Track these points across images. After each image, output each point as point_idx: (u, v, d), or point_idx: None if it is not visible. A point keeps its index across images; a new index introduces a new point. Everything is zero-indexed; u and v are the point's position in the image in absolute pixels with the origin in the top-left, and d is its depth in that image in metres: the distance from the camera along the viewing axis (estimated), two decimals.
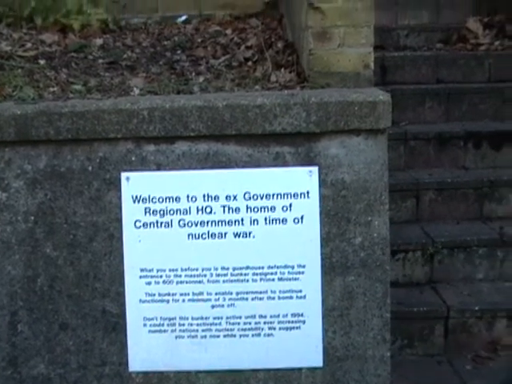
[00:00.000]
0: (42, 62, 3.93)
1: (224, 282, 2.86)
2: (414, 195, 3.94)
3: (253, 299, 2.86)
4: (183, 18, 5.48)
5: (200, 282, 2.86)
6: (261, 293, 2.86)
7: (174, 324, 2.89)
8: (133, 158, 2.81)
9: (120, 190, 2.82)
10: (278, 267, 2.84)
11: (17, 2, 5.06)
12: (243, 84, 3.20)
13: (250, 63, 3.67)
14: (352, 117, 2.70)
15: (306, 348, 2.89)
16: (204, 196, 2.79)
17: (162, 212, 2.81)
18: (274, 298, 2.86)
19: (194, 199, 2.79)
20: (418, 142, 4.15)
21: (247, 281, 2.85)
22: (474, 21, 5.31)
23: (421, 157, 4.17)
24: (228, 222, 2.80)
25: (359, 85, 2.99)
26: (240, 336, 2.89)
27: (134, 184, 2.81)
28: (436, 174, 4.09)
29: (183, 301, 2.87)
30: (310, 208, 2.78)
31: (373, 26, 3.01)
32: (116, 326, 2.89)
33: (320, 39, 2.98)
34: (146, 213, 2.82)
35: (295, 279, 2.85)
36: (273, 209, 2.78)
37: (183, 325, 2.89)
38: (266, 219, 2.79)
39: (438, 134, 4.18)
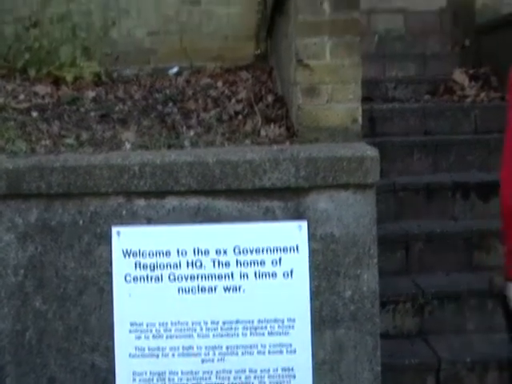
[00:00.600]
0: (34, 114, 3.97)
1: (214, 336, 2.85)
2: (403, 246, 3.96)
3: (243, 353, 2.85)
4: (175, 69, 5.56)
5: (190, 336, 2.85)
6: (251, 347, 2.85)
7: (164, 379, 2.87)
8: (123, 213, 2.83)
9: (110, 244, 2.83)
10: (267, 321, 2.84)
11: (11, 53, 5.13)
12: (233, 138, 3.25)
13: (240, 117, 3.72)
14: (340, 172, 2.74)
15: None
16: (194, 250, 2.80)
17: (152, 266, 2.82)
18: (264, 353, 2.85)
19: (184, 253, 2.80)
20: (406, 193, 4.19)
21: (237, 335, 2.84)
22: (460, 72, 5.41)
23: (410, 207, 4.20)
24: (218, 276, 2.81)
25: (348, 139, 3.04)
26: None
27: (125, 238, 2.82)
28: (425, 225, 4.11)
29: (173, 355, 2.86)
30: (300, 262, 2.80)
31: (360, 81, 3.07)
32: (105, 380, 2.88)
33: (308, 95, 3.04)
34: (136, 267, 2.82)
35: (285, 333, 2.84)
36: (262, 263, 2.79)
37: (173, 379, 2.87)
38: (255, 273, 2.80)
39: (426, 184, 4.22)
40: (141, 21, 6.07)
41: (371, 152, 2.80)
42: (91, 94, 4.43)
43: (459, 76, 5.37)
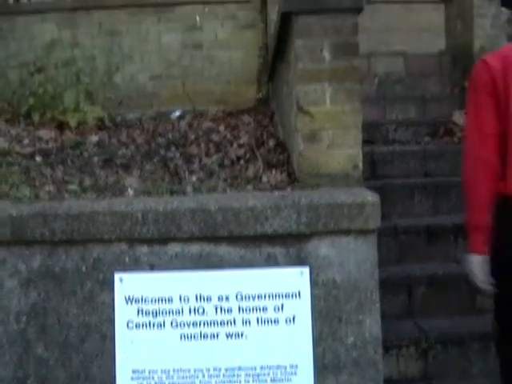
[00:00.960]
0: (38, 158, 4.01)
1: (216, 382, 2.84)
2: (406, 289, 3.94)
3: None
4: (177, 113, 5.63)
5: (192, 383, 2.84)
6: None
7: None
8: (126, 259, 2.84)
9: (113, 291, 2.84)
10: (270, 368, 2.83)
11: (15, 98, 5.21)
12: (235, 184, 3.27)
13: (242, 162, 3.76)
14: (341, 218, 2.76)
15: None
16: (196, 296, 2.81)
17: (154, 313, 2.82)
18: None
19: (186, 300, 2.81)
20: (408, 236, 4.19)
21: (240, 382, 2.83)
22: (460, 114, 5.44)
23: (412, 250, 4.19)
24: (220, 322, 2.81)
25: (349, 185, 3.06)
26: None
27: (127, 284, 2.83)
28: (427, 268, 4.10)
29: None
30: (302, 308, 2.80)
31: (360, 127, 3.10)
32: None
33: (309, 141, 3.07)
34: (138, 313, 2.83)
35: (288, 380, 2.83)
36: (265, 309, 2.80)
37: None
38: (258, 320, 2.80)
39: (427, 227, 4.22)
40: (144, 65, 6.16)
41: (372, 198, 2.81)
42: (94, 138, 4.48)
43: (459, 118, 5.41)
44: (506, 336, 2.77)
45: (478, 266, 2.60)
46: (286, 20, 3.24)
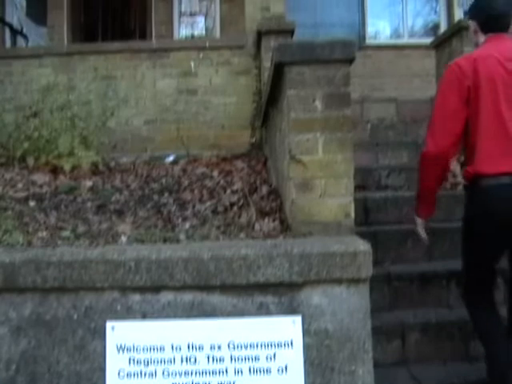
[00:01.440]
0: (32, 203, 4.02)
1: None
2: (399, 336, 3.92)
3: None
4: (171, 158, 5.67)
5: None
6: None
7: None
8: (118, 307, 2.83)
9: (105, 339, 2.82)
10: None
11: (11, 142, 5.23)
12: (228, 231, 3.28)
13: (235, 208, 3.77)
14: (334, 267, 2.76)
15: None
16: (189, 345, 2.79)
17: (146, 362, 2.79)
18: None
19: (178, 349, 2.79)
20: (401, 283, 4.18)
21: None
22: (452, 160, 5.49)
23: (405, 297, 4.18)
24: (212, 371, 2.78)
25: (341, 233, 3.07)
26: None
27: (119, 333, 2.81)
28: (421, 314, 4.08)
29: None
30: (294, 357, 2.78)
31: (353, 176, 3.13)
32: None
33: (302, 190, 3.09)
34: (130, 362, 2.80)
35: None
36: (257, 358, 2.78)
37: None
38: (250, 369, 2.78)
39: (420, 274, 4.22)
40: (139, 110, 6.24)
41: (364, 247, 2.82)
42: (88, 183, 4.50)
43: (451, 163, 5.45)
44: (474, 294, 3.27)
45: (420, 225, 3.46)
46: (278, 70, 3.28)
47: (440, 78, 5.91)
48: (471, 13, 3.21)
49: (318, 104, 3.08)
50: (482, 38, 3.12)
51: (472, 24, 3.18)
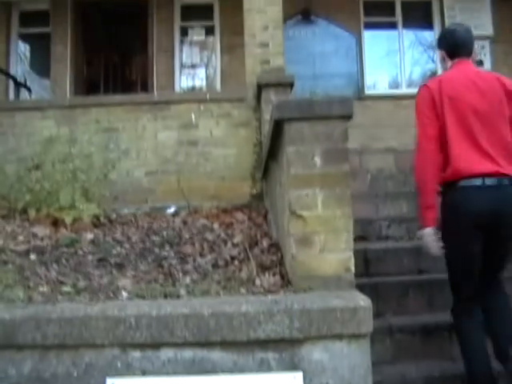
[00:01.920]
0: (33, 256, 4.02)
1: None
2: None
3: None
4: (172, 209, 5.69)
5: None
6: None
7: None
8: (118, 364, 2.82)
9: None
10: None
11: (12, 193, 5.26)
12: (229, 287, 3.28)
13: (236, 262, 3.78)
14: (334, 322, 2.76)
15: None
16: None
17: None
18: None
19: None
20: (403, 335, 4.15)
21: None
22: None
23: (407, 349, 4.14)
24: None
25: (341, 288, 3.07)
26: None
27: None
28: (423, 367, 4.04)
29: None
30: None
31: (352, 231, 3.14)
32: None
33: (302, 245, 3.11)
34: None
35: None
36: None
37: None
38: None
39: (422, 325, 4.20)
40: (140, 161, 6.28)
41: (364, 302, 2.83)
42: (89, 236, 4.51)
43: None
44: (461, 304, 3.61)
45: (430, 236, 3.50)
46: (278, 126, 3.33)
47: None
48: (439, 43, 3.80)
49: (317, 160, 3.12)
50: (449, 63, 3.70)
51: (441, 53, 3.77)
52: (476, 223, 3.33)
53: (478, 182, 3.32)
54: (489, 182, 3.31)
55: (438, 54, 4.09)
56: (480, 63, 9.87)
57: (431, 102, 3.48)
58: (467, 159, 3.35)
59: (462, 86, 3.47)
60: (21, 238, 4.44)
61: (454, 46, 3.65)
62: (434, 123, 3.46)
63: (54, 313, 2.87)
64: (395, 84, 10.12)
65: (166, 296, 3.14)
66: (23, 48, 10.54)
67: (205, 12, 10.18)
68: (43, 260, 3.95)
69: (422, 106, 3.55)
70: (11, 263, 3.84)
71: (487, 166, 3.32)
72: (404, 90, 10.04)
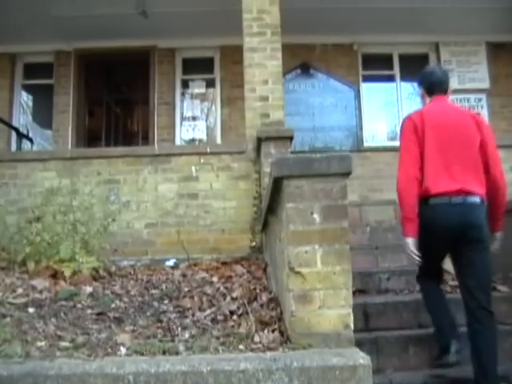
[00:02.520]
0: (31, 310, 4.00)
1: None
2: None
3: None
4: (171, 262, 5.70)
5: None
6: None
7: None
8: None
9: None
10: None
11: (12, 245, 5.26)
12: (228, 343, 3.26)
13: (235, 317, 3.77)
14: (334, 381, 2.75)
15: None
16: None
17: None
18: None
19: None
20: None
21: None
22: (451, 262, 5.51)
23: None
24: None
25: (340, 345, 3.06)
26: None
27: None
28: None
29: None
30: None
31: (351, 287, 3.14)
32: None
33: (301, 302, 3.11)
34: None
35: None
36: None
37: None
38: None
39: (423, 382, 4.16)
40: (140, 213, 6.31)
41: (364, 360, 2.81)
42: (88, 289, 4.49)
43: (450, 266, 5.46)
44: (425, 274, 4.24)
45: (412, 244, 3.96)
46: (277, 183, 3.36)
47: None
48: (420, 82, 4.38)
49: (316, 216, 3.14)
50: (428, 99, 4.28)
51: (421, 90, 4.36)
52: (444, 235, 3.91)
53: (445, 200, 3.87)
54: (456, 200, 3.85)
55: (418, 92, 4.44)
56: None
57: (414, 131, 4.01)
58: (437, 180, 3.90)
59: (439, 117, 4.05)
60: (20, 290, 4.43)
61: (432, 84, 4.25)
62: (416, 148, 3.97)
63: (51, 369, 2.85)
64: (394, 135, 10.22)
65: (164, 352, 3.12)
66: (26, 98, 10.70)
67: (205, 65, 10.36)
68: (42, 313, 3.93)
69: (406, 133, 4.07)
70: (9, 316, 3.82)
71: (454, 186, 3.86)
72: None
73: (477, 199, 3.87)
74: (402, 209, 3.99)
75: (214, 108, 10.33)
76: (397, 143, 10.09)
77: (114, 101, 13.47)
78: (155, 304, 4.19)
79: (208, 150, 6.53)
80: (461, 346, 4.00)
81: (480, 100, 10.22)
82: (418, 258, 3.97)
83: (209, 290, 4.43)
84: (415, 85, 10.40)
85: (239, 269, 5.16)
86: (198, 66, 10.39)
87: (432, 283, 4.27)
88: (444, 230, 3.86)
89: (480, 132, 4.02)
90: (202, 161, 6.40)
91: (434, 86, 4.24)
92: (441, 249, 4.05)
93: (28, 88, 10.60)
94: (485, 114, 10.14)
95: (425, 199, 3.93)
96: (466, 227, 3.82)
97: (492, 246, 4.09)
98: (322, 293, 3.10)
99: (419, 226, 3.92)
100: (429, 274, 4.24)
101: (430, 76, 4.30)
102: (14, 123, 9.93)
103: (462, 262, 3.98)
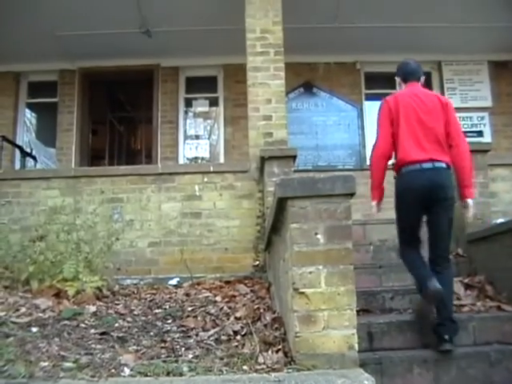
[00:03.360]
0: (34, 329, 4.00)
1: None
2: None
3: None
4: (175, 281, 5.69)
5: None
6: None
7: None
8: None
9: None
10: None
11: (15, 264, 5.26)
12: (231, 363, 3.25)
13: (238, 337, 3.76)
14: None
15: None
16: None
17: None
18: None
19: None
20: None
21: None
22: (455, 282, 5.47)
23: None
24: None
25: (345, 365, 3.05)
26: None
27: None
28: None
29: None
30: None
31: (355, 308, 3.14)
32: None
33: (305, 323, 3.11)
34: None
35: None
36: None
37: None
38: None
39: None
40: (143, 232, 6.31)
41: (368, 382, 2.81)
42: (92, 308, 4.49)
43: (455, 285, 5.43)
44: (407, 245, 4.75)
45: (375, 206, 4.85)
46: (281, 204, 3.37)
47: None
48: (397, 72, 5.04)
49: (321, 237, 3.15)
50: (403, 86, 4.93)
51: (398, 78, 5.01)
52: (417, 197, 4.51)
53: (416, 167, 4.50)
54: (426, 166, 4.50)
55: (396, 80, 5.14)
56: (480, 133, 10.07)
57: (388, 112, 4.69)
58: (410, 151, 4.55)
59: (411, 99, 4.70)
60: (23, 309, 4.42)
61: (407, 73, 4.95)
62: (389, 127, 4.66)
63: None
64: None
65: (168, 373, 3.11)
66: (30, 116, 10.74)
67: (209, 84, 10.41)
68: (45, 333, 3.92)
69: (382, 114, 4.76)
70: (13, 336, 3.81)
71: (424, 156, 4.50)
72: None
73: (443, 165, 4.54)
74: (372, 179, 4.79)
75: (217, 127, 10.36)
76: None
77: (118, 119, 13.52)
78: (159, 324, 4.18)
79: (211, 169, 6.53)
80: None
81: (482, 118, 10.23)
82: (376, 212, 4.93)
83: (212, 309, 4.42)
84: None
85: (243, 288, 5.15)
86: (201, 85, 10.43)
87: (413, 253, 4.74)
88: (417, 191, 4.50)
89: (445, 112, 4.68)
90: (206, 180, 6.41)
91: (408, 75, 4.94)
92: (416, 209, 4.60)
93: (32, 106, 10.65)
94: (487, 132, 10.16)
95: (400, 168, 4.60)
96: (435, 188, 4.48)
97: (466, 215, 4.95)
98: (327, 313, 3.10)
99: (396, 195, 4.66)
100: (409, 246, 4.75)
101: (405, 66, 5.00)
102: (18, 141, 9.96)
103: (431, 218, 4.60)
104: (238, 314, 4.21)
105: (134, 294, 5.20)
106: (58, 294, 4.82)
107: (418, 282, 4.69)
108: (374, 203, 4.86)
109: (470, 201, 4.71)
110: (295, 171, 6.30)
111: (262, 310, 4.29)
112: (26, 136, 10.37)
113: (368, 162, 4.96)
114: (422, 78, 4.97)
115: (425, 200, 4.54)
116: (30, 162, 9.14)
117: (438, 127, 4.64)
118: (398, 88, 5.06)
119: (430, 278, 4.41)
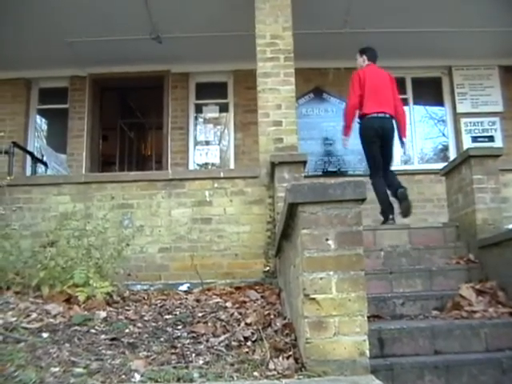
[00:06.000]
0: (45, 335, 4.00)
1: None
2: None
3: None
4: (185, 287, 5.69)
5: None
6: None
7: None
8: None
9: None
10: None
11: (26, 270, 5.27)
12: (242, 369, 3.24)
13: (249, 343, 3.75)
14: None
15: None
16: None
17: None
18: None
19: None
20: None
21: None
22: (467, 288, 5.45)
23: None
24: None
25: (356, 372, 3.04)
26: None
27: None
28: None
29: None
30: None
31: (366, 314, 3.12)
32: None
33: (316, 329, 3.09)
34: None
35: None
36: None
37: None
38: None
39: None
40: (154, 238, 6.32)
41: None
42: (102, 314, 4.49)
43: (466, 291, 5.40)
44: (375, 171, 7.23)
45: (346, 140, 7.62)
46: (292, 209, 3.36)
47: (451, 205, 6.19)
48: (366, 53, 7.58)
49: (331, 243, 3.14)
50: (366, 63, 7.52)
51: (362, 57, 7.58)
52: (375, 133, 7.15)
53: (374, 115, 7.16)
54: (380, 115, 7.17)
55: (359, 57, 7.67)
56: (491, 139, 10.06)
57: (358, 80, 7.23)
58: (371, 106, 7.16)
59: (372, 73, 7.32)
60: (34, 315, 4.43)
61: (373, 57, 7.57)
62: (358, 89, 7.22)
63: None
64: (407, 159, 10.20)
65: (179, 379, 3.10)
66: (40, 122, 10.79)
67: (219, 89, 10.43)
68: (56, 339, 3.93)
69: (354, 80, 7.28)
70: (23, 341, 3.82)
71: (379, 109, 7.17)
72: (416, 165, 10.15)
73: (389, 115, 7.23)
74: (345, 121, 7.51)
75: (227, 132, 10.38)
76: (410, 167, 10.17)
77: (128, 125, 13.57)
78: (169, 329, 4.17)
79: (221, 175, 6.54)
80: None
81: (494, 123, 10.19)
82: (347, 145, 7.69)
83: (223, 315, 4.41)
84: (428, 108, 10.57)
85: (253, 294, 5.15)
86: (211, 91, 10.46)
87: (379, 179, 7.15)
88: (375, 130, 7.13)
89: (392, 83, 7.47)
90: (216, 185, 6.42)
91: (373, 57, 7.55)
92: (374, 140, 7.15)
93: (43, 112, 10.72)
94: (498, 137, 10.12)
95: (363, 116, 7.22)
96: (385, 129, 7.19)
97: (402, 149, 7.95)
98: (337, 319, 3.09)
99: (362, 134, 7.26)
100: (376, 171, 7.18)
101: (373, 52, 7.57)
102: (29, 147, 10.02)
103: (384, 152, 7.25)
104: (248, 320, 4.20)
105: (145, 300, 5.20)
106: (69, 300, 4.82)
107: (381, 202, 7.09)
108: (345, 137, 7.58)
109: (404, 140, 7.59)
110: (305, 177, 6.31)
111: (272, 316, 4.28)
112: (36, 142, 10.43)
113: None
114: (377, 59, 7.58)
115: (378, 134, 7.13)
116: (40, 168, 9.16)
117: (387, 93, 7.32)
118: (359, 64, 7.56)
119: (394, 190, 7.05)
